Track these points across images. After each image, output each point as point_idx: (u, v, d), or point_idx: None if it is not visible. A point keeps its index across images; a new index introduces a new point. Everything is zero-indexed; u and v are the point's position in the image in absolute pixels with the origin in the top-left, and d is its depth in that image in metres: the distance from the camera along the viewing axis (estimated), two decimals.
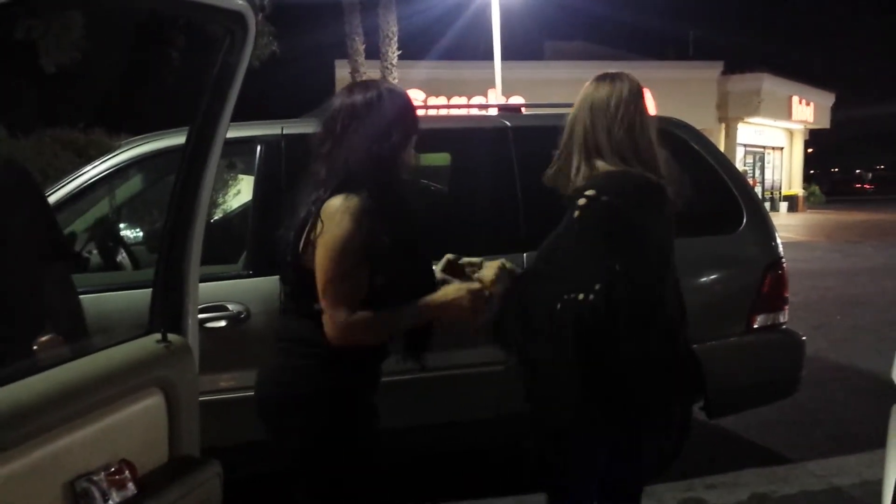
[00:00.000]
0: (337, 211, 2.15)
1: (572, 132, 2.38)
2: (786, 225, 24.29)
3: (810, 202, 36.79)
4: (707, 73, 29.88)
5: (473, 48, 24.41)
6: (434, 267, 2.47)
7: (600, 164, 2.32)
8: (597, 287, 2.16)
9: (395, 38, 18.65)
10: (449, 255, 2.54)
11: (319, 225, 2.17)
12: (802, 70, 44.58)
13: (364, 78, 16.80)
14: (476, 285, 2.33)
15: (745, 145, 32.52)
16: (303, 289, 2.24)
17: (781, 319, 4.23)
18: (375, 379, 2.42)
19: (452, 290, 2.30)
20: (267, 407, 2.34)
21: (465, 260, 2.52)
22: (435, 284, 2.36)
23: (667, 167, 2.39)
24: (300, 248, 2.22)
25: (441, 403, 3.81)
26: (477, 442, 4.14)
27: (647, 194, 2.31)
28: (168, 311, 2.28)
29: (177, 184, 2.23)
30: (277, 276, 3.46)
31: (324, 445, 2.26)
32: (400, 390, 2.66)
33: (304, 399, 2.26)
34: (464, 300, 2.27)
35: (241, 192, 9.96)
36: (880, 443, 2.62)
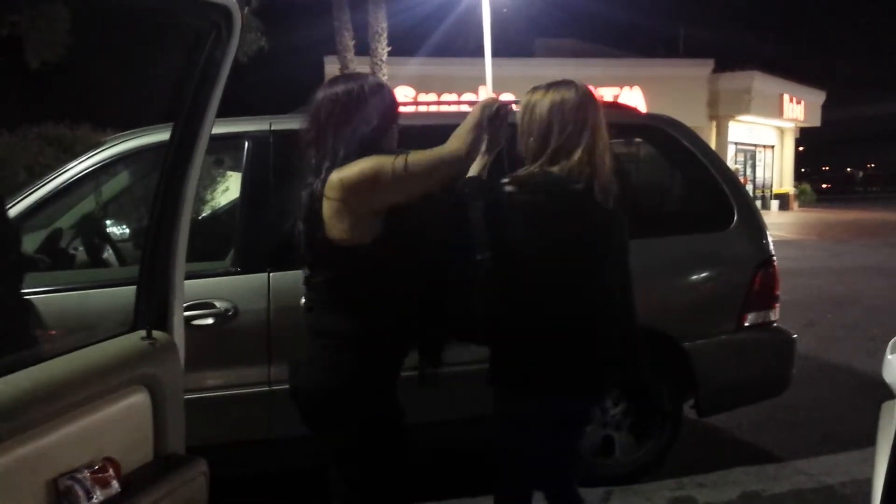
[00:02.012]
0: (340, 175, 2.28)
1: (547, 133, 2.57)
2: (777, 223, 24.37)
3: (801, 200, 36.94)
4: (698, 71, 29.95)
5: (464, 45, 24.47)
6: None
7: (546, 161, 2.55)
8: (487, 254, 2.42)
9: (385, 35, 18.62)
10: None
11: (335, 197, 2.28)
12: (793, 68, 44.81)
13: None
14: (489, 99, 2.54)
15: (736, 143, 32.62)
16: (327, 272, 2.39)
17: (772, 317, 4.23)
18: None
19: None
20: (317, 401, 2.46)
21: None
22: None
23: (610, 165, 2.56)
24: (325, 233, 2.31)
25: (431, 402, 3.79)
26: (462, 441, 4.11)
27: (566, 196, 2.48)
28: (153, 308, 2.26)
29: (161, 180, 2.22)
30: (265, 274, 3.51)
31: (378, 429, 2.45)
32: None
33: (351, 389, 2.40)
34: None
35: (230, 188, 9.92)
36: (870, 441, 2.62)
